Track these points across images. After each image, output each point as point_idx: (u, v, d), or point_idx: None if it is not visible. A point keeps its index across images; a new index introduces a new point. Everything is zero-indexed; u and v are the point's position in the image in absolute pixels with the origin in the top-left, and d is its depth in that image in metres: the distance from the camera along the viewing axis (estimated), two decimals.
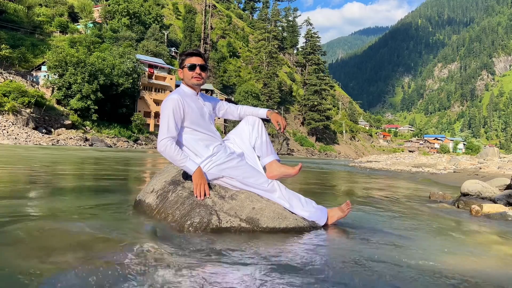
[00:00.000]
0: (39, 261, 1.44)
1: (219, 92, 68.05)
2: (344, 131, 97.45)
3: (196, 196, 2.15)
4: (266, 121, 2.46)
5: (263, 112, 2.41)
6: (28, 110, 34.89)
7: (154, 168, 9.03)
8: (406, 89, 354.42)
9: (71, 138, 34.43)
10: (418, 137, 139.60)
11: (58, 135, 34.99)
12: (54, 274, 1.33)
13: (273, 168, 2.32)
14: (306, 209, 2.29)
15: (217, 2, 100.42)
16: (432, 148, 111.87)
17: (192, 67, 2.28)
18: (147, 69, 52.01)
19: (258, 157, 2.37)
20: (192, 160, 2.16)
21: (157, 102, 53.89)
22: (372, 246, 2.01)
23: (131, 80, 45.14)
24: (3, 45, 40.07)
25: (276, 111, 2.41)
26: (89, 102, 39.88)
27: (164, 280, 1.34)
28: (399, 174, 12.38)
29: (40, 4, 55.94)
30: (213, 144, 2.26)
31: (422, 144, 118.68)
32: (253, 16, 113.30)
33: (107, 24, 59.09)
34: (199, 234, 2.00)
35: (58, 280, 1.29)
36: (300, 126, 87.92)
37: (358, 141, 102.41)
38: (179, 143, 2.25)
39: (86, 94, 39.53)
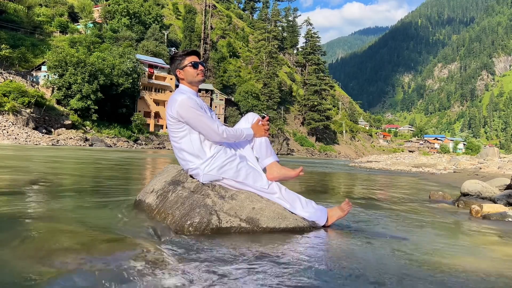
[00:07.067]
0: (39, 262, 1.44)
1: (219, 92, 68.03)
2: (344, 131, 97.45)
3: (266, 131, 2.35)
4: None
5: (249, 131, 2.33)
6: (28, 110, 34.89)
7: (154, 168, 9.04)
8: (406, 89, 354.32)
9: (71, 138, 34.42)
10: (418, 137, 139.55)
11: (58, 135, 34.99)
12: (55, 276, 1.33)
13: (273, 170, 2.31)
14: (306, 209, 2.29)
15: (217, 2, 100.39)
16: (432, 148, 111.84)
17: (195, 65, 2.29)
18: (147, 69, 52.02)
19: (257, 158, 2.36)
20: (244, 128, 2.32)
21: (157, 102, 53.89)
22: (371, 246, 2.01)
23: (131, 80, 45.16)
24: (3, 45, 40.06)
25: (260, 117, 2.35)
26: (89, 102, 39.89)
27: (164, 281, 1.34)
28: (399, 174, 12.38)
29: (40, 4, 55.91)
30: (214, 144, 2.26)
31: (422, 144, 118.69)
32: (253, 16, 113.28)
33: (107, 24, 59.08)
34: (199, 234, 2.00)
35: (59, 282, 1.29)
36: (300, 126, 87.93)
37: (358, 141, 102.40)
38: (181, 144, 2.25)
39: (86, 94, 39.54)
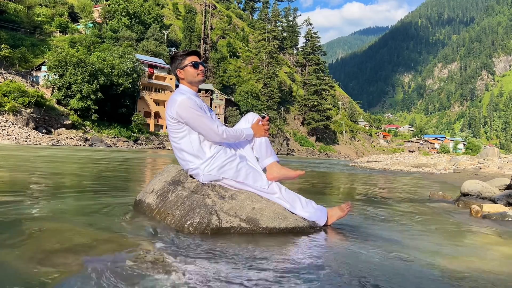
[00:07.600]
0: (39, 263, 1.44)
1: (219, 92, 68.03)
2: (344, 131, 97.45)
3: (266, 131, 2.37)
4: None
5: (249, 131, 2.34)
6: (28, 110, 34.87)
7: (154, 168, 9.04)
8: (406, 89, 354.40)
9: (71, 138, 34.41)
10: (418, 137, 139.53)
11: (58, 135, 34.98)
12: (55, 277, 1.33)
13: (273, 170, 2.31)
14: (306, 209, 2.29)
15: (217, 2, 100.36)
16: (432, 148, 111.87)
17: (196, 65, 2.29)
18: (147, 69, 52.01)
19: (257, 158, 2.36)
20: (244, 128, 2.32)
21: (157, 102, 53.88)
22: (371, 246, 2.01)
23: (131, 80, 45.15)
24: (3, 45, 40.03)
25: (259, 118, 2.36)
26: (89, 102, 39.89)
27: (164, 281, 1.34)
28: (399, 174, 12.37)
29: (40, 4, 55.90)
30: (214, 145, 2.26)
31: (422, 144, 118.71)
32: (253, 16, 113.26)
33: (107, 24, 59.06)
34: (199, 234, 2.00)
35: (59, 282, 1.29)
36: (300, 126, 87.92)
37: (358, 141, 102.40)
38: (181, 144, 2.25)
39: (86, 94, 39.54)
